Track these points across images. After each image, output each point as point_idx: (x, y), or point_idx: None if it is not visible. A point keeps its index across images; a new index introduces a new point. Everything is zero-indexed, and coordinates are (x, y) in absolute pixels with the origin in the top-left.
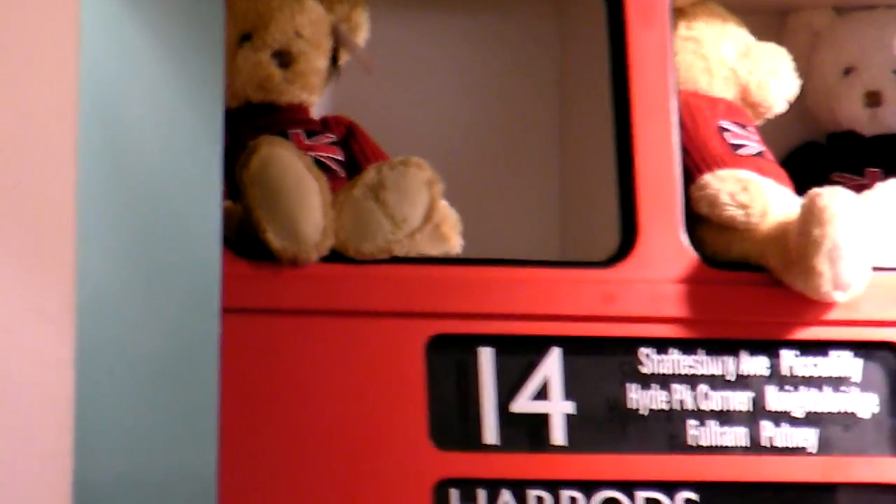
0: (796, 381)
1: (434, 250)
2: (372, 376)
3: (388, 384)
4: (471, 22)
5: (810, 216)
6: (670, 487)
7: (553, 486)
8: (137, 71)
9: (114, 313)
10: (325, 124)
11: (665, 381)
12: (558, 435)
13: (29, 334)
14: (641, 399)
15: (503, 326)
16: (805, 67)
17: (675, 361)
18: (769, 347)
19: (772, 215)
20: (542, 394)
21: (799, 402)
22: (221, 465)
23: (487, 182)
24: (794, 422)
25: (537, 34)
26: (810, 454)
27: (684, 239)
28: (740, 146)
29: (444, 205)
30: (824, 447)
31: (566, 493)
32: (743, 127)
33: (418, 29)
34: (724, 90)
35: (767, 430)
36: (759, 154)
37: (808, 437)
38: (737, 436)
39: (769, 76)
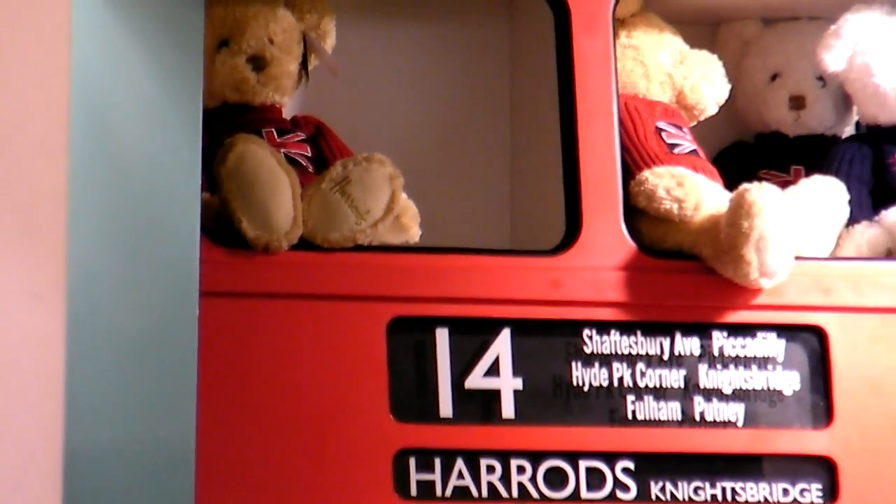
0: (725, 361)
1: (395, 239)
2: (337, 355)
3: (351, 362)
4: (428, 30)
5: (739, 209)
6: (610, 457)
7: (503, 456)
8: (124, 72)
9: (101, 295)
10: (296, 123)
11: (606, 360)
12: (508, 409)
13: (23, 314)
14: (584, 376)
15: (458, 309)
16: (735, 73)
17: (615, 342)
18: (701, 329)
19: (704, 208)
20: (493, 371)
21: (728, 379)
22: (199, 434)
23: (444, 177)
24: (724, 398)
25: (490, 41)
26: (738, 427)
27: (624, 230)
28: (676, 145)
29: (404, 198)
30: (750, 421)
31: (515, 462)
32: (678, 128)
33: (380, 37)
34: (661, 94)
35: (699, 405)
36: (693, 152)
37: (736, 412)
38: (671, 410)
39: (702, 81)
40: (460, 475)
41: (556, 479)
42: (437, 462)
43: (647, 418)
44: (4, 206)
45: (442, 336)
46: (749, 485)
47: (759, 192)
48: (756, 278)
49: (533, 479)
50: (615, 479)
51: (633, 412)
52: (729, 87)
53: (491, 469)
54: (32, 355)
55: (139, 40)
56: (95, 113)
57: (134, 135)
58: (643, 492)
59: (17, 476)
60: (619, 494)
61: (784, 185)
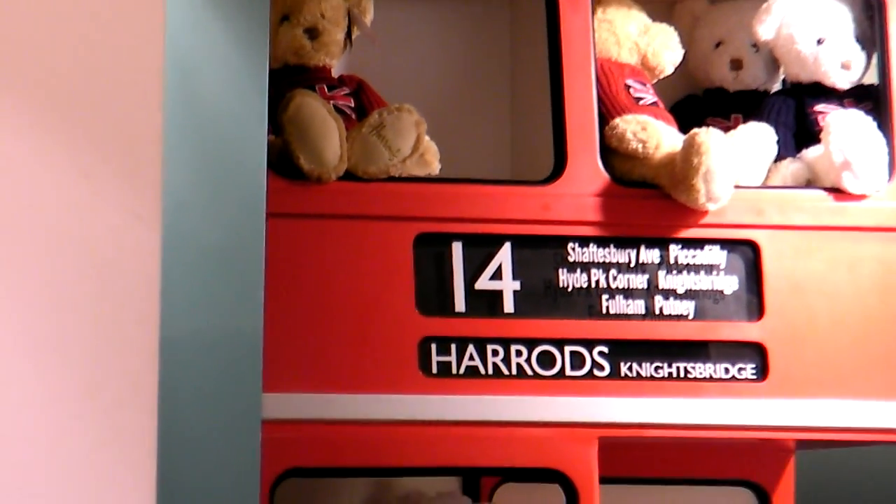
0: (679, 268)
1: (420, 172)
2: (374, 263)
3: (385, 268)
4: (443, 7)
5: (690, 148)
6: (589, 343)
7: (504, 342)
8: (208, 40)
9: (189, 215)
10: (342, 81)
11: (585, 267)
12: (509, 305)
13: (128, 231)
14: (568, 280)
15: (469, 227)
16: (687, 41)
17: (593, 253)
18: (660, 243)
19: (663, 148)
20: (496, 275)
21: (681, 282)
22: (265, 325)
23: (458, 123)
24: (678, 296)
25: (494, 16)
26: (689, 320)
27: (600, 165)
28: (640, 98)
29: (427, 139)
30: (699, 315)
31: (514, 347)
32: (642, 84)
33: (405, 13)
34: (629, 58)
35: (658, 302)
36: (654, 104)
37: (687, 308)
38: (636, 306)
39: (662, 47)
40: (471, 357)
41: (546, 360)
42: (453, 347)
43: (618, 313)
44: (114, 147)
45: (456, 248)
46: (698, 365)
47: (706, 135)
48: (704, 203)
49: (528, 361)
50: (593, 360)
51: (607, 308)
52: (682, 52)
53: (495, 353)
54: (135, 263)
55: (221, 15)
56: (185, 72)
57: (214, 90)
58: (615, 370)
59: (122, 360)
60: (596, 373)
61: (726, 129)
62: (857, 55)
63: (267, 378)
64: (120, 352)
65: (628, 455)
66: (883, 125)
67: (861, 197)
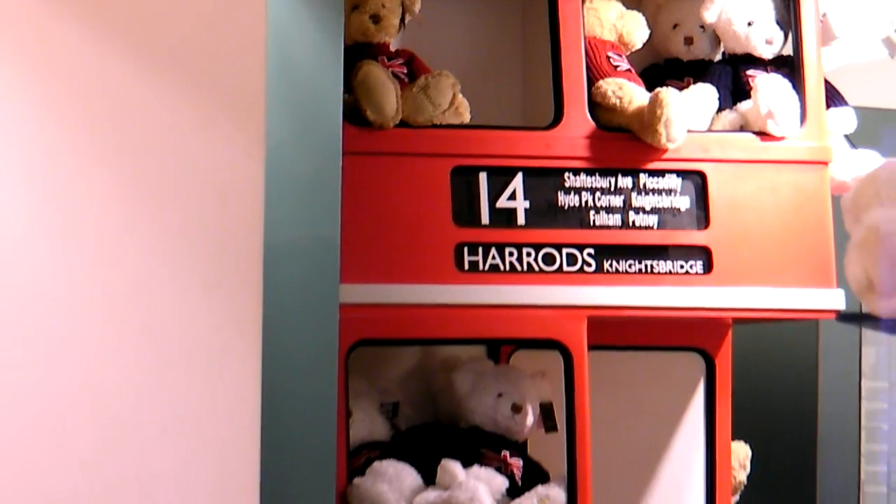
0: (647, 191)
1: (455, 121)
2: (421, 188)
3: (429, 192)
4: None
5: (655, 103)
6: (580, 247)
7: (518, 246)
8: (299, 23)
9: (285, 152)
10: (397, 53)
11: (577, 190)
12: (521, 219)
13: (236, 166)
14: (565, 200)
15: (491, 161)
16: (652, 24)
17: (583, 180)
18: (632, 173)
19: (634, 102)
20: (512, 197)
21: (648, 202)
22: (342, 234)
23: (484, 86)
24: (646, 212)
25: (510, 5)
26: (654, 229)
27: (588, 115)
28: (618, 66)
29: (460, 97)
30: (661, 226)
31: (525, 250)
32: (619, 56)
33: (435, 2)
34: (609, 36)
35: (631, 216)
36: (628, 70)
37: (653, 221)
38: (615, 219)
39: (633, 28)
40: (493, 257)
41: (548, 259)
42: (480, 250)
43: (601, 224)
44: (229, 102)
45: (482, 177)
46: (660, 262)
47: (666, 93)
48: (664, 143)
49: (535, 260)
50: (583, 259)
51: (593, 220)
52: (648, 32)
53: (511, 254)
54: (245, 188)
55: (308, 5)
56: (282, 48)
57: (304, 61)
58: (599, 267)
59: (236, 259)
60: (585, 268)
61: (681, 89)
62: (778, 34)
63: (343, 272)
64: (234, 254)
65: (608, 328)
66: (796, 85)
67: (780, 138)
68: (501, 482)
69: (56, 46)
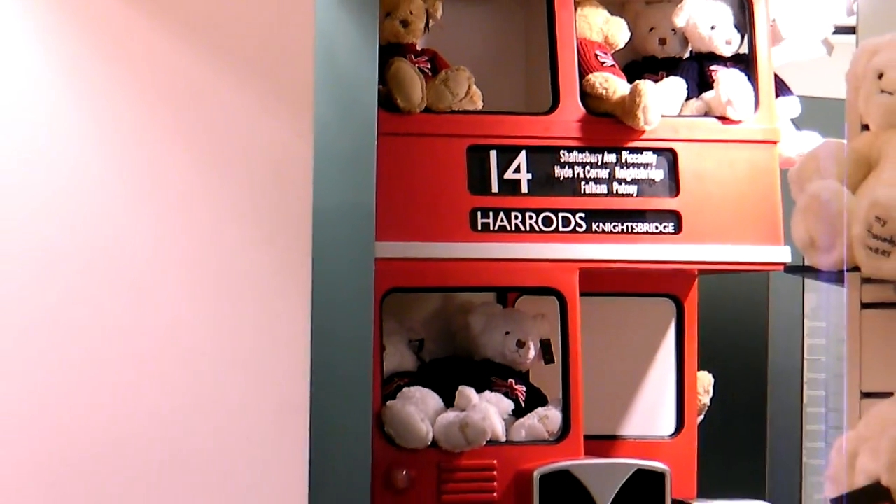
0: (628, 165)
1: (470, 107)
2: (442, 163)
3: (448, 166)
4: (478, 7)
5: (634, 93)
6: (573, 211)
7: (521, 211)
8: (343, 28)
9: (330, 133)
10: (423, 52)
11: (571, 164)
12: (525, 188)
13: (291, 142)
14: (560, 172)
15: (500, 141)
16: (633, 28)
17: (575, 156)
18: (616, 150)
19: (618, 92)
20: (517, 170)
21: (629, 174)
22: (377, 200)
23: (495, 79)
24: (627, 182)
25: (515, 12)
26: (634, 196)
27: (579, 103)
28: (604, 62)
29: (474, 88)
30: (640, 194)
31: (527, 214)
32: (605, 54)
33: (455, 9)
34: (597, 38)
35: (615, 186)
36: (612, 66)
37: (633, 189)
38: (602, 188)
39: (617, 32)
40: (501, 220)
41: (547, 221)
42: (490, 214)
43: (591, 192)
44: (285, 92)
45: (493, 154)
46: (639, 224)
47: (644, 84)
48: (642, 125)
49: (536, 222)
50: (575, 221)
51: (584, 189)
52: (629, 34)
53: (516, 217)
54: (296, 162)
55: (349, 11)
56: (328, 46)
57: (345, 57)
58: (589, 228)
59: (289, 221)
60: (577, 229)
61: (655, 81)
62: (735, 36)
63: (377, 232)
64: (289, 216)
65: (596, 278)
66: (750, 78)
67: (738, 122)
68: (508, 405)
69: (149, 49)
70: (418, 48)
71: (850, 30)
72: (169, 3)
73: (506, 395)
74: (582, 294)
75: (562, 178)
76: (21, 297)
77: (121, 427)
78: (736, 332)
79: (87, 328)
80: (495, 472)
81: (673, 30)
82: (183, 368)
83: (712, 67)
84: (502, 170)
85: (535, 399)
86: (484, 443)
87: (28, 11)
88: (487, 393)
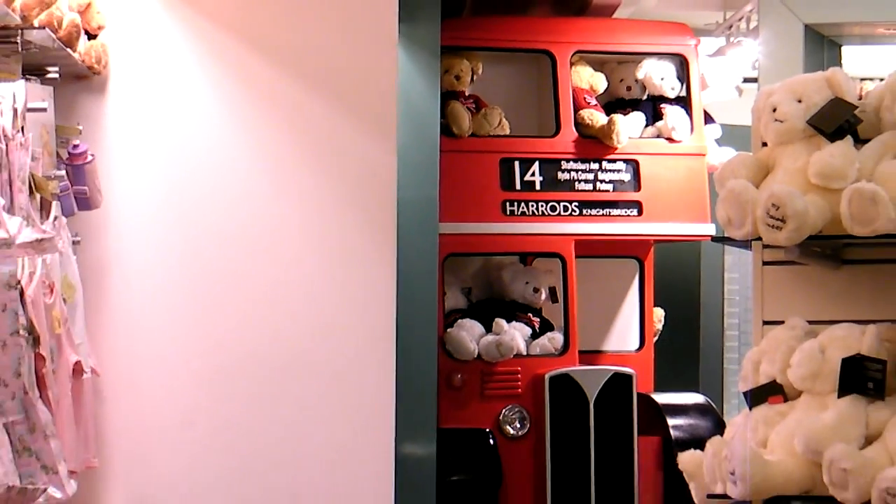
0: (607, 171)
1: (501, 134)
2: (482, 171)
3: (486, 173)
4: (508, 66)
5: (611, 122)
6: (570, 201)
7: (536, 201)
8: (414, 78)
9: (407, 149)
10: (470, 96)
11: (568, 170)
12: (538, 186)
13: (380, 157)
14: (562, 175)
15: (521, 155)
16: (609, 79)
17: (571, 165)
18: (598, 161)
19: (600, 122)
20: (532, 174)
21: (607, 176)
22: (440, 193)
23: (516, 114)
24: (606, 182)
25: (531, 69)
26: (610, 192)
27: (574, 130)
28: (590, 103)
29: (504, 120)
30: (615, 189)
31: (540, 203)
32: (591, 96)
33: (491, 67)
34: (585, 86)
35: (598, 184)
36: (595, 105)
37: (610, 187)
38: (589, 186)
39: (598, 82)
40: (522, 207)
41: (552, 208)
42: (515, 203)
43: (582, 189)
44: (377, 122)
45: (517, 164)
46: (614, 210)
47: (617, 117)
48: (616, 144)
49: (545, 209)
50: (572, 209)
51: (577, 187)
52: (607, 84)
53: (532, 206)
54: (382, 169)
55: (420, 66)
56: (405, 90)
57: (417, 98)
58: (581, 213)
59: (376, 211)
60: (573, 213)
61: (624, 115)
62: (677, 84)
63: (440, 216)
64: (379, 206)
65: (586, 246)
66: (687, 112)
67: (679, 141)
68: (527, 331)
69: (288, 98)
70: (466, 94)
71: (754, 80)
72: (302, 65)
73: (526, 324)
74: (577, 257)
75: (562, 180)
76: (207, 257)
77: (264, 343)
78: (679, 282)
79: (246, 276)
80: (519, 375)
81: (636, 80)
82: (308, 306)
83: (662, 105)
84: (523, 174)
85: (546, 326)
86: (511, 356)
87: (210, 77)
88: (514, 323)
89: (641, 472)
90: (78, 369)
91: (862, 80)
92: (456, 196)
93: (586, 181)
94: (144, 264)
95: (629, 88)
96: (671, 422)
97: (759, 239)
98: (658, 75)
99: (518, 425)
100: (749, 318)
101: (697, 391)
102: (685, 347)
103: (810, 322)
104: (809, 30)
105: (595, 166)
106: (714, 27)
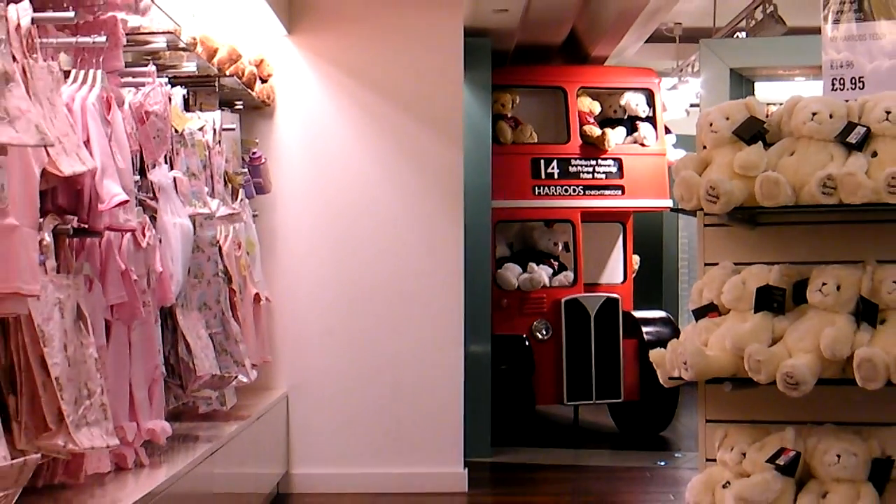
0: (601, 165)
1: (531, 142)
2: (519, 165)
3: (522, 169)
4: (531, 98)
5: (604, 134)
6: (577, 186)
7: (554, 186)
8: (473, 105)
9: (469, 152)
10: (511, 118)
11: (576, 166)
12: (556, 176)
13: (449, 156)
14: (572, 169)
15: (544, 155)
16: (602, 105)
17: (578, 162)
18: (595, 159)
19: (596, 133)
20: (552, 169)
21: (602, 169)
22: (492, 182)
23: (541, 129)
24: (601, 174)
25: (551, 99)
26: (603, 180)
27: (579, 138)
28: (590, 121)
29: (534, 133)
30: (607, 178)
31: (556, 187)
32: (591, 116)
33: (524, 99)
34: (586, 110)
35: (596, 176)
36: (594, 122)
37: (603, 176)
38: (590, 177)
39: (595, 107)
40: (546, 190)
41: (565, 190)
42: (541, 187)
43: (585, 177)
44: (448, 135)
45: (542, 161)
46: (606, 191)
47: (608, 130)
48: (607, 148)
49: (561, 191)
50: (578, 191)
51: (582, 176)
52: (600, 108)
53: (552, 189)
54: (452, 166)
55: (478, 100)
56: (469, 112)
57: (475, 118)
58: (585, 193)
59: (449, 195)
60: (580, 194)
61: (612, 128)
62: (647, 108)
63: (492, 195)
64: (450, 192)
65: (589, 215)
66: (654, 126)
67: (648, 146)
68: (550, 271)
69: (403, 129)
70: (508, 116)
71: (697, 105)
72: (403, 98)
73: (549, 266)
74: (582, 222)
75: (572, 172)
76: (343, 224)
77: (380, 280)
78: (649, 238)
79: (368, 238)
80: (545, 300)
81: (620, 105)
82: (408, 257)
83: (637, 122)
84: (546, 168)
85: (562, 268)
86: (539, 287)
87: (341, 109)
88: (541, 265)
89: (625, 363)
90: (257, 298)
91: (768, 104)
92: (502, 183)
93: (588, 172)
94: (301, 229)
95: (615, 111)
96: (644, 330)
97: (702, 209)
98: (634, 102)
99: (544, 332)
100: (696, 261)
101: (661, 309)
102: (653, 281)
103: (736, 264)
104: (733, 72)
105: (593, 163)
106: (671, 70)
